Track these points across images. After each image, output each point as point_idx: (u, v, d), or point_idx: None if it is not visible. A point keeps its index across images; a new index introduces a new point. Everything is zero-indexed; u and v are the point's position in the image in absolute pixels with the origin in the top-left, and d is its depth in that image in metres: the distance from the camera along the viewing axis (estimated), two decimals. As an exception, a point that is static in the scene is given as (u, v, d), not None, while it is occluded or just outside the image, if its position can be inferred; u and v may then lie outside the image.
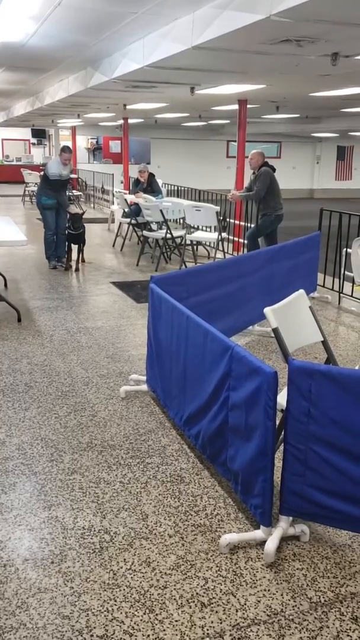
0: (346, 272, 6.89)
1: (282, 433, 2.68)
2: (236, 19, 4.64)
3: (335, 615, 2.32)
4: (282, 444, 2.65)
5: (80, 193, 17.38)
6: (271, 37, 4.93)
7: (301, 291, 3.28)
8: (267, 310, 2.88)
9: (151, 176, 10.68)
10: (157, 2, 4.97)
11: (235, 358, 2.81)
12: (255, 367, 2.61)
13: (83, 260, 8.92)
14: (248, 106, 10.60)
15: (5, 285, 7.38)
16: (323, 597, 2.41)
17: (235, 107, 10.63)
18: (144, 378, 4.35)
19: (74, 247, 8.68)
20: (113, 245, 10.69)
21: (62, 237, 8.66)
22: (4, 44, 6.97)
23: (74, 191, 15.71)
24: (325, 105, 12.57)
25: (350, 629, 2.25)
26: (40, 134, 24.75)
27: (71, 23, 5.86)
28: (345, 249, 6.84)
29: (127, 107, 12.18)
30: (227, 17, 4.80)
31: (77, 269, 8.61)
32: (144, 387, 4.32)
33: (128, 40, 6.69)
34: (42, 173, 8.93)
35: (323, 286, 7.24)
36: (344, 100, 11.17)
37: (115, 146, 24.46)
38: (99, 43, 6.83)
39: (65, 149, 8.45)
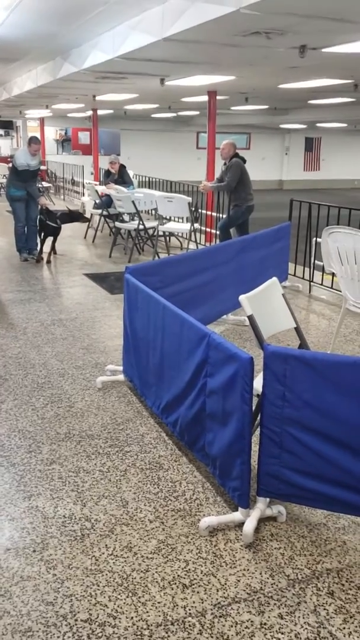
0: (316, 262, 7.00)
1: (258, 417, 2.75)
2: (206, 11, 4.67)
3: (312, 591, 2.40)
4: (258, 428, 2.72)
5: (49, 185, 17.22)
6: (241, 29, 4.97)
7: (274, 279, 3.35)
8: (242, 298, 2.94)
9: (122, 167, 10.65)
10: (127, -8, 4.97)
11: (212, 345, 2.87)
12: (232, 353, 2.67)
13: (55, 252, 8.87)
14: (217, 97, 10.65)
15: (-23, 278, 7.32)
16: (300, 574, 2.50)
17: (205, 98, 10.65)
18: (120, 368, 4.38)
19: (48, 239, 8.60)
20: (85, 237, 10.66)
21: (33, 229, 8.61)
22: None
23: (43, 183, 15.55)
24: (293, 97, 12.68)
25: (326, 603, 2.34)
26: (7, 126, 24.42)
27: (40, 12, 5.81)
28: (315, 239, 6.96)
29: (97, 98, 12.11)
30: (197, 9, 4.82)
31: (48, 261, 8.57)
32: (121, 377, 4.36)
33: (98, 31, 6.66)
34: (10, 165, 8.84)
35: (294, 275, 7.34)
36: (312, 92, 11.29)
37: (84, 137, 24.27)
38: (69, 33, 6.78)
39: (33, 140, 8.38)
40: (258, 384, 2.74)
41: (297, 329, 3.35)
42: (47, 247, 8.64)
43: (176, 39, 5.37)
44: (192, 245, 8.84)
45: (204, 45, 5.80)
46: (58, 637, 2.15)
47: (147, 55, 6.43)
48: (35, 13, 5.82)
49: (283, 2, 4.10)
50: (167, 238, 9.33)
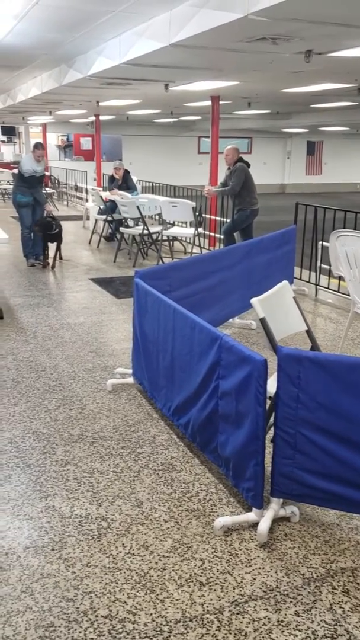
0: (322, 265, 7.05)
1: (271, 418, 2.80)
2: (213, 18, 4.73)
3: (327, 589, 2.44)
4: (271, 429, 2.76)
5: (53, 191, 17.29)
6: (248, 35, 5.03)
7: (285, 282, 3.39)
8: (255, 301, 2.98)
9: (126, 173, 10.71)
10: (135, 0, 5.02)
11: (225, 347, 2.91)
12: (245, 355, 2.71)
13: (60, 258, 8.94)
14: (220, 102, 10.71)
15: (-16, 283, 7.37)
16: (315, 573, 2.53)
17: (208, 103, 10.72)
18: (130, 371, 4.43)
19: (52, 245, 8.67)
20: (89, 243, 10.71)
21: (39, 234, 8.65)
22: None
23: (46, 189, 15.61)
24: (296, 101, 12.75)
25: (342, 601, 2.37)
26: (10, 132, 24.53)
27: (47, 21, 5.87)
28: (321, 243, 7.00)
29: (100, 103, 12.18)
30: (204, 15, 4.88)
31: (54, 267, 8.62)
32: (130, 379, 4.40)
33: (104, 38, 6.73)
34: (14, 171, 8.91)
35: (300, 279, 7.39)
36: (314, 96, 11.36)
37: (86, 143, 24.36)
38: (74, 41, 6.85)
39: (37, 146, 8.45)
40: (269, 386, 2.78)
41: (309, 332, 3.39)
42: (52, 253, 8.70)
43: (183, 44, 5.43)
44: (196, 250, 8.89)
45: (209, 51, 5.87)
46: (80, 632, 2.19)
47: (153, 61, 6.49)
48: (43, 22, 5.88)
49: (291, 8, 4.15)
50: (171, 243, 9.38)
